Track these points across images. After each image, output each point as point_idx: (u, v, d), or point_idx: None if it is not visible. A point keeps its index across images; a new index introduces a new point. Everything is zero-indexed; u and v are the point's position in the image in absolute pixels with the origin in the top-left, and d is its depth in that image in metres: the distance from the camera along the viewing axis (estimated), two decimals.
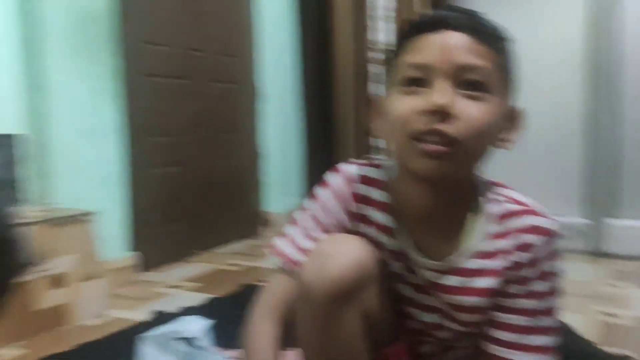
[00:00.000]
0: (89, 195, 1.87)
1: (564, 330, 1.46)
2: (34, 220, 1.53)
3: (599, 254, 2.38)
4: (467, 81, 0.68)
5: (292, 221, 0.85)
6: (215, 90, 2.61)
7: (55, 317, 1.56)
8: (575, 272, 2.13)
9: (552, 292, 0.75)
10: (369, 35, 2.78)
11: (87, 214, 1.68)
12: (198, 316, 1.06)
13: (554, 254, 0.75)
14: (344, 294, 0.72)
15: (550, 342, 0.75)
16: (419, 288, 0.79)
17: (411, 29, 0.72)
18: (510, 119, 0.75)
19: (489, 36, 0.70)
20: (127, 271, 1.99)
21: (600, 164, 2.39)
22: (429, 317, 0.80)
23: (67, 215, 1.62)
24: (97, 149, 1.91)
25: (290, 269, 0.82)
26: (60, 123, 1.79)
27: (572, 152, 2.47)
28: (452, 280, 0.76)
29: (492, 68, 0.69)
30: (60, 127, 1.79)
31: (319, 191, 0.84)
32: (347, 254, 0.73)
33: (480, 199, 0.77)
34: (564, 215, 2.47)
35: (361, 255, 0.74)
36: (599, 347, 1.37)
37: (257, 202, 2.93)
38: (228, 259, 2.37)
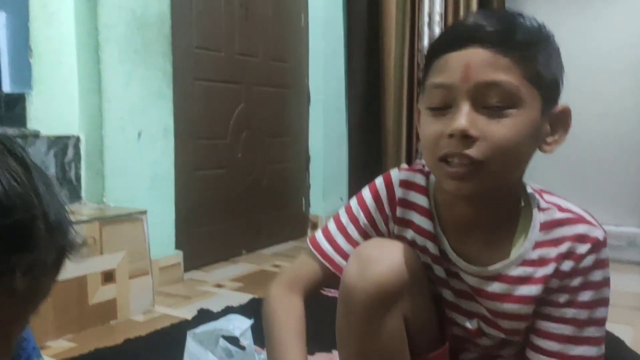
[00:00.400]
0: (139, 195, 1.93)
1: (614, 343, 1.42)
2: (88, 218, 1.59)
3: None
4: (490, 99, 0.66)
5: (334, 217, 0.87)
6: (265, 95, 2.65)
7: (105, 312, 1.62)
8: (629, 284, 2.05)
9: (598, 302, 0.73)
10: (419, 41, 2.76)
11: (138, 212, 1.73)
12: (240, 315, 1.08)
13: (600, 263, 0.73)
14: (386, 298, 0.73)
15: (596, 352, 0.73)
16: (461, 293, 0.79)
17: (436, 47, 0.72)
18: (554, 121, 0.72)
19: (517, 45, 0.66)
20: (174, 269, 2.05)
21: None
22: (470, 323, 0.80)
23: (119, 214, 1.69)
24: (148, 150, 1.97)
25: (321, 260, 0.84)
26: (114, 125, 1.86)
27: (630, 163, 2.39)
28: (495, 287, 0.75)
29: (519, 80, 0.66)
30: (114, 128, 1.86)
31: (363, 192, 0.86)
32: (390, 258, 0.74)
33: (526, 206, 0.76)
34: (619, 224, 2.39)
35: (404, 259, 0.75)
36: None
37: (304, 205, 2.96)
38: (272, 260, 2.40)
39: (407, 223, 0.81)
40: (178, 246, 2.10)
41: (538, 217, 0.74)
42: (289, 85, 2.81)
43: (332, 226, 0.86)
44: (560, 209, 0.75)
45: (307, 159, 2.97)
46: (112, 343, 1.44)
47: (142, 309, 1.72)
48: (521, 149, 0.69)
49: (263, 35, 2.62)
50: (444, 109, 0.69)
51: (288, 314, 0.81)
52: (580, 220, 0.73)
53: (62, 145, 1.76)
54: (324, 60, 2.92)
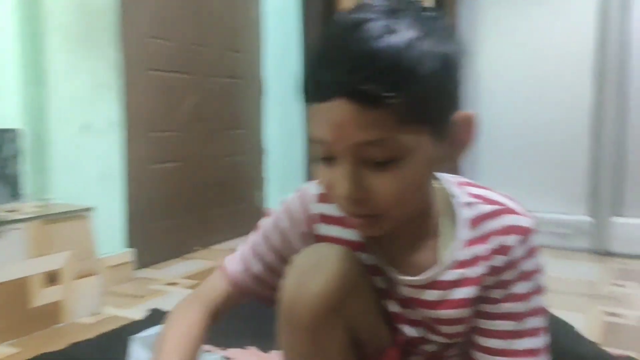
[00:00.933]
0: (86, 191, 1.85)
1: (566, 330, 1.44)
2: (31, 215, 1.51)
3: (603, 253, 2.35)
4: (369, 156, 0.60)
5: (248, 238, 0.83)
6: (218, 86, 2.59)
7: (49, 314, 1.54)
8: (579, 272, 2.11)
9: (535, 292, 0.71)
10: None
11: (84, 209, 1.66)
12: None
13: (531, 252, 0.70)
14: (330, 309, 0.68)
15: (540, 343, 0.72)
16: (402, 302, 0.75)
17: (304, 89, 0.63)
18: (453, 137, 0.65)
19: (381, 97, 0.56)
20: (124, 268, 1.98)
21: (606, 162, 2.36)
22: (413, 332, 0.77)
23: (64, 211, 1.61)
24: (96, 144, 1.89)
25: (229, 280, 0.81)
26: (58, 117, 1.77)
27: (578, 151, 2.45)
28: (432, 295, 0.72)
29: (395, 129, 0.58)
30: (58, 121, 1.77)
31: (277, 211, 0.81)
32: (327, 266, 0.69)
33: (449, 204, 0.72)
34: (568, 213, 2.45)
35: (343, 265, 0.70)
36: (601, 347, 1.34)
37: (259, 199, 2.91)
38: (226, 256, 2.35)
39: (328, 238, 0.76)
40: (129, 244, 2.03)
41: (464, 214, 0.71)
42: (242, 76, 2.75)
43: (243, 248, 0.83)
44: (486, 201, 0.72)
45: (262, 152, 2.92)
46: (57, 347, 1.37)
47: (90, 310, 1.64)
48: (418, 188, 0.66)
49: (216, 25, 2.56)
50: (331, 158, 0.63)
51: (180, 328, 0.77)
52: (506, 211, 0.71)
53: (3, 138, 1.67)
54: (278, 50, 2.88)
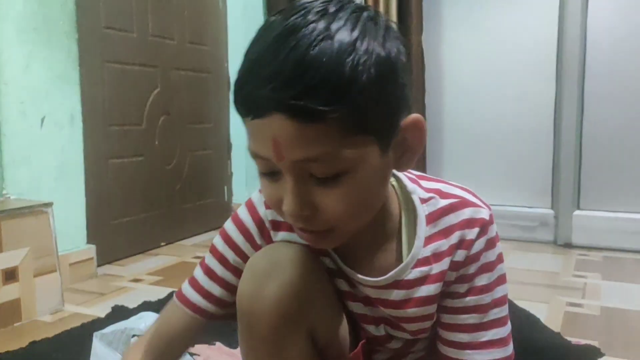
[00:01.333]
0: (45, 186, 1.79)
1: (530, 321, 1.47)
2: None
3: (564, 245, 2.40)
4: (312, 172, 0.57)
5: (200, 263, 0.79)
6: (182, 79, 2.55)
7: (7, 313, 1.49)
8: (540, 263, 2.15)
9: (496, 282, 0.71)
10: None
11: (43, 205, 1.61)
12: (154, 312, 1.02)
13: (491, 243, 0.70)
14: (289, 314, 0.66)
15: (505, 332, 0.72)
16: (365, 300, 0.74)
17: (237, 104, 0.59)
18: (401, 143, 0.62)
19: (320, 111, 0.53)
20: (86, 265, 1.93)
21: (567, 157, 2.41)
22: (378, 331, 0.76)
23: (21, 207, 1.55)
24: (53, 138, 1.83)
25: (188, 311, 0.77)
26: (13, 110, 1.71)
27: (541, 146, 2.49)
28: (395, 295, 0.71)
29: (340, 142, 0.55)
30: (13, 114, 1.71)
31: (226, 227, 0.77)
32: (285, 268, 0.66)
33: (407, 201, 0.71)
34: (532, 206, 2.49)
35: (302, 267, 0.67)
36: (564, 337, 1.37)
37: (226, 194, 2.88)
38: (194, 251, 2.32)
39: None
40: (90, 240, 1.98)
41: (422, 210, 0.70)
42: (208, 69, 2.71)
43: (198, 273, 0.78)
44: (442, 195, 0.71)
45: (229, 147, 2.89)
46: (17, 346, 1.33)
47: (50, 308, 1.60)
48: (368, 199, 0.62)
49: (179, 17, 2.51)
50: (275, 174, 0.60)
51: None
52: (463, 204, 0.70)
53: None
54: (244, 44, 2.83)
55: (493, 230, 0.71)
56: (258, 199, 0.75)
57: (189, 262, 2.16)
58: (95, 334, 0.91)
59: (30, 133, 1.75)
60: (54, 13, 1.81)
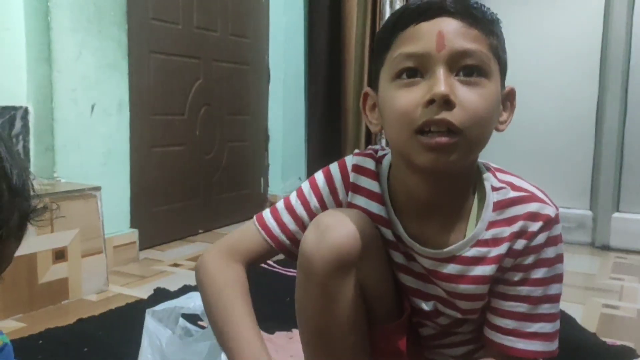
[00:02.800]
0: (92, 171, 1.86)
1: (566, 321, 1.46)
2: (38, 193, 1.52)
3: (602, 247, 2.37)
4: (464, 67, 0.67)
5: (285, 198, 0.85)
6: (224, 71, 2.60)
7: (56, 291, 1.56)
8: (578, 265, 2.13)
9: (551, 279, 0.73)
10: (381, 18, 2.74)
11: (90, 189, 1.67)
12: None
13: (553, 240, 0.73)
14: (343, 264, 0.73)
15: (551, 328, 0.74)
16: (418, 276, 0.79)
17: (402, 19, 0.70)
18: (504, 101, 0.74)
19: (481, 19, 0.69)
20: (129, 248, 1.99)
21: (607, 159, 2.38)
22: (428, 305, 0.80)
23: (71, 190, 1.62)
24: (102, 125, 1.90)
25: (264, 235, 0.83)
26: (65, 97, 1.78)
27: (581, 147, 2.46)
28: (450, 268, 0.75)
29: (487, 51, 0.68)
30: (65, 100, 1.78)
31: (316, 176, 0.84)
32: (347, 225, 0.73)
33: (480, 186, 0.76)
34: (569, 207, 2.47)
35: (360, 226, 0.74)
36: (599, 337, 1.36)
37: (262, 185, 2.93)
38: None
39: (359, 208, 0.80)
40: (133, 224, 2.04)
41: (492, 197, 0.74)
42: (248, 61, 2.76)
43: (280, 205, 0.84)
44: (514, 187, 0.75)
45: (267, 138, 2.93)
46: (64, 323, 1.39)
47: (96, 288, 1.66)
48: (491, 121, 0.70)
49: (222, 10, 2.56)
50: (415, 79, 0.68)
51: (234, 286, 0.79)
52: (532, 198, 0.73)
53: (8, 116, 1.67)
54: (284, 37, 2.88)
55: (557, 229, 0.74)
56: (349, 162, 0.82)
57: None
58: (147, 310, 0.96)
59: (80, 119, 1.82)
60: (106, 4, 1.88)
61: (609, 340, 1.35)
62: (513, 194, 0.74)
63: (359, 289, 0.76)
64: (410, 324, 0.83)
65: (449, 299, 0.77)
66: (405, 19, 0.69)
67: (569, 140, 2.48)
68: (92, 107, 1.85)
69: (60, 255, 1.56)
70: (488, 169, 0.77)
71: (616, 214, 2.37)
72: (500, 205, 0.74)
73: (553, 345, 0.74)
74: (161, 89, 2.24)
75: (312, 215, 0.81)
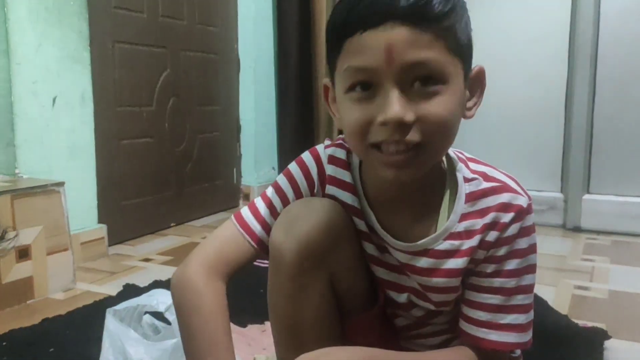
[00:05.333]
0: (56, 166, 1.81)
1: (538, 304, 1.47)
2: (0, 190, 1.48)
3: (573, 229, 2.40)
4: (418, 78, 0.62)
5: (261, 195, 0.82)
6: (192, 61, 2.54)
7: (20, 290, 1.51)
8: (550, 246, 2.15)
9: (525, 270, 0.73)
10: None
11: (54, 184, 1.62)
12: (166, 289, 1.03)
13: (525, 231, 0.72)
14: (313, 255, 0.71)
15: (524, 319, 0.73)
16: (392, 268, 0.77)
17: (347, 25, 0.63)
18: (472, 85, 0.70)
19: (434, 18, 0.61)
20: (97, 244, 1.95)
21: (577, 141, 2.40)
22: (401, 297, 0.79)
23: (33, 186, 1.57)
24: (65, 118, 1.84)
25: (247, 238, 0.79)
26: (25, 90, 1.72)
27: (551, 130, 2.48)
28: (423, 262, 0.73)
29: (443, 54, 0.62)
30: (25, 94, 1.72)
31: (291, 168, 0.81)
32: (317, 215, 0.72)
33: (452, 178, 0.74)
34: (541, 190, 2.49)
35: (331, 216, 0.73)
36: (570, 319, 1.37)
37: (235, 176, 2.89)
38: (203, 232, 2.34)
39: (333, 199, 0.78)
40: (101, 220, 2.00)
41: (464, 189, 0.73)
42: (217, 51, 2.71)
43: (259, 203, 0.81)
44: (486, 178, 0.73)
45: (238, 129, 2.89)
46: (29, 323, 1.35)
47: (62, 286, 1.62)
48: (455, 123, 0.67)
49: None
50: (367, 90, 0.64)
51: (218, 316, 0.74)
52: (504, 188, 0.72)
53: None
54: (253, 25, 2.83)
55: (529, 220, 0.73)
56: (323, 153, 0.80)
57: (198, 242, 2.18)
58: (108, 310, 0.93)
59: (42, 113, 1.77)
60: None
61: (580, 322, 1.36)
62: (485, 184, 0.73)
63: (330, 281, 0.75)
64: (384, 315, 0.82)
65: (422, 291, 0.76)
66: (350, 25, 0.63)
67: (539, 124, 2.50)
68: (54, 100, 1.80)
69: (23, 253, 1.51)
70: (460, 159, 0.76)
71: (586, 196, 2.40)
72: (473, 197, 0.73)
73: (527, 337, 0.74)
74: (127, 80, 2.19)
75: None
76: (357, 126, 0.65)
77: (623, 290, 1.64)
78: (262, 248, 0.79)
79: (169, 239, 2.24)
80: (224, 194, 2.80)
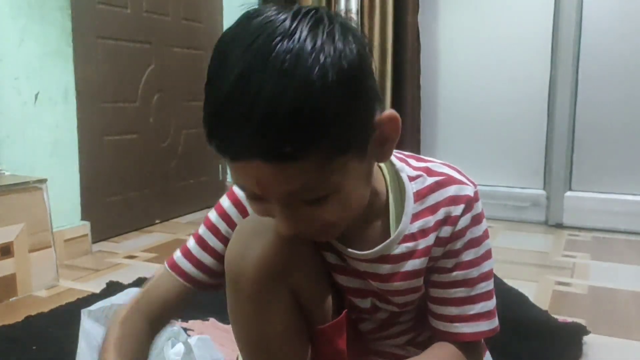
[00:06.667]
0: (39, 162, 1.80)
1: (519, 299, 1.49)
2: None
3: (555, 225, 2.43)
4: (301, 198, 0.58)
5: (193, 234, 0.80)
6: (177, 56, 2.53)
7: (3, 288, 1.50)
8: (531, 243, 2.17)
9: (482, 257, 0.73)
10: (338, 3, 2.71)
11: (36, 181, 1.61)
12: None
13: (476, 219, 0.72)
14: (273, 272, 0.69)
15: (491, 305, 0.74)
16: (353, 274, 0.76)
17: (215, 147, 0.55)
18: (378, 144, 0.62)
19: (299, 148, 0.52)
20: (81, 241, 1.94)
21: (559, 139, 2.43)
22: (365, 303, 0.78)
23: (15, 183, 1.56)
24: (47, 114, 1.83)
25: (180, 280, 0.78)
26: (7, 86, 1.70)
27: (534, 128, 2.51)
28: (382, 269, 0.73)
29: (320, 171, 0.55)
30: (7, 90, 1.70)
31: (221, 201, 0.79)
32: (271, 229, 0.68)
33: (396, 179, 0.73)
34: (524, 187, 2.51)
35: None
36: (551, 314, 1.39)
37: (220, 172, 2.88)
38: (188, 229, 2.33)
39: None
40: (85, 217, 1.98)
41: (410, 188, 0.72)
42: (202, 46, 2.69)
43: (190, 243, 0.79)
44: (429, 172, 0.73)
45: None
46: (12, 320, 1.34)
47: (45, 284, 1.61)
48: (360, 201, 0.64)
49: None
50: (261, 199, 0.61)
51: (114, 344, 0.71)
52: (449, 181, 0.72)
53: None
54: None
55: (478, 207, 0.72)
56: (242, 195, 0.76)
57: (183, 239, 2.17)
58: (83, 311, 0.92)
59: (24, 109, 1.75)
60: None
61: (560, 318, 1.38)
62: (430, 180, 0.72)
63: (293, 296, 0.73)
64: (349, 320, 0.81)
65: (384, 295, 0.76)
66: (218, 149, 0.55)
67: (522, 122, 2.52)
68: (36, 96, 1.78)
69: (6, 251, 1.50)
70: (400, 159, 0.74)
71: (569, 193, 2.43)
72: (421, 195, 0.72)
73: (496, 322, 0.74)
74: (111, 76, 2.17)
75: (225, 241, 0.76)
76: (260, 215, 0.65)
77: (603, 286, 1.66)
78: (196, 284, 0.78)
79: (154, 236, 2.23)
80: (209, 190, 2.79)
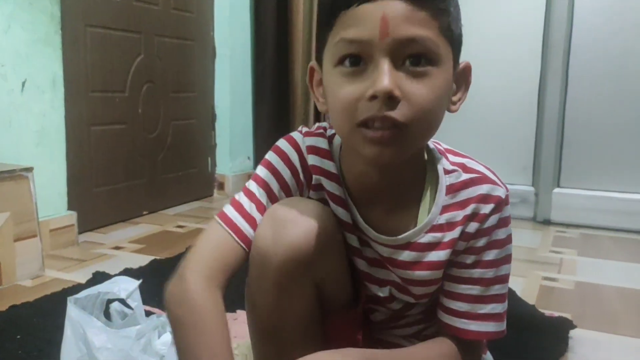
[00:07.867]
0: (25, 151, 1.77)
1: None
2: None
3: (543, 222, 2.44)
4: (410, 55, 0.61)
5: (243, 189, 0.78)
6: (167, 46, 2.51)
7: None
8: (520, 239, 2.18)
9: (502, 260, 0.74)
10: None
11: (22, 169, 1.59)
12: (128, 277, 1.02)
13: (503, 221, 0.73)
14: (301, 263, 0.69)
15: (501, 309, 0.74)
16: (373, 262, 0.77)
17: None
18: (459, 79, 0.69)
19: None
20: (67, 231, 1.91)
21: (548, 136, 2.44)
22: (381, 291, 0.78)
23: (1, 171, 1.53)
24: (34, 102, 1.80)
25: (237, 240, 0.74)
26: None
27: (521, 123, 2.52)
28: (406, 255, 0.73)
29: (436, 35, 0.62)
30: None
31: (270, 158, 0.77)
32: (305, 221, 0.69)
33: (432, 169, 0.74)
34: (513, 183, 2.53)
35: (319, 221, 0.70)
36: (538, 309, 1.40)
37: (209, 164, 2.87)
38: (175, 221, 2.32)
39: (321, 188, 0.76)
40: (71, 207, 1.96)
41: (444, 181, 0.73)
42: (193, 37, 2.67)
43: (242, 199, 0.76)
44: (465, 169, 0.74)
45: (213, 116, 2.87)
46: None
47: (30, 273, 1.59)
48: (440, 110, 0.66)
49: None
50: (357, 65, 0.63)
51: (217, 326, 0.67)
52: (483, 180, 0.73)
53: None
54: (229, 11, 2.80)
55: (507, 211, 0.73)
56: (302, 142, 0.77)
57: (170, 231, 2.16)
58: (69, 298, 0.91)
59: (11, 97, 1.72)
60: None
61: (547, 312, 1.38)
62: (465, 176, 0.73)
63: (315, 287, 0.74)
64: (362, 311, 0.81)
65: (403, 285, 0.76)
66: None
67: (512, 119, 2.53)
68: (23, 84, 1.75)
69: None
70: (440, 151, 0.76)
71: (557, 190, 2.44)
72: (453, 189, 0.73)
73: (503, 325, 0.75)
74: (99, 65, 2.14)
75: (277, 201, 0.75)
76: (346, 102, 0.64)
77: (589, 282, 1.68)
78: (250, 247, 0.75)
79: (141, 227, 2.22)
80: (198, 182, 2.78)
